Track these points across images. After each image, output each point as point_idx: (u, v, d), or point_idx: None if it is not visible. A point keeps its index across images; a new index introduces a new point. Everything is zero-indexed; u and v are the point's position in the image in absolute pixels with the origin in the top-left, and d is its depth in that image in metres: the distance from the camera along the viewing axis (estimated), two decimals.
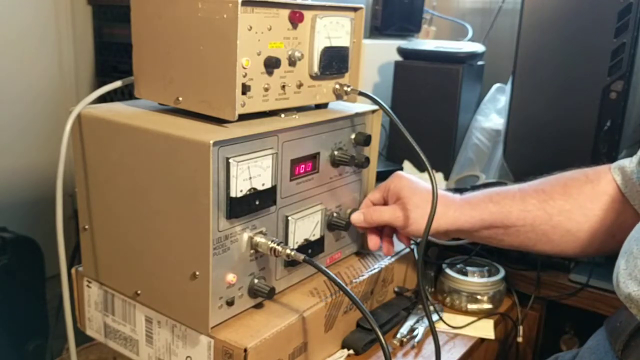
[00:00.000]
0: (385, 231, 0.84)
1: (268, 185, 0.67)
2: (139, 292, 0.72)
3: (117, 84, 0.78)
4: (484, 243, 0.84)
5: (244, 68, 0.64)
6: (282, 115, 0.72)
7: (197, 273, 0.64)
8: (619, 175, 0.74)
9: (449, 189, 1.14)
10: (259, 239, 0.68)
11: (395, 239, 0.86)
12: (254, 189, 0.65)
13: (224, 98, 0.65)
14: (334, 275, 0.66)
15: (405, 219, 0.78)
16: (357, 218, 0.81)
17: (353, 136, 0.80)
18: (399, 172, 0.83)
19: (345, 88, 0.78)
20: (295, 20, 0.69)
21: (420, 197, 0.77)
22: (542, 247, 0.78)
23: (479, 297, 0.92)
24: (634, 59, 0.99)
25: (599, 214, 0.74)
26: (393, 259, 0.88)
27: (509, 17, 1.50)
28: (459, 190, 1.12)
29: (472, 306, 0.92)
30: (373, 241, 0.84)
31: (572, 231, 0.75)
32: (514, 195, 0.78)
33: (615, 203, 0.74)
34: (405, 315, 0.87)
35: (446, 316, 0.90)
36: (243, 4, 0.62)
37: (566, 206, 0.75)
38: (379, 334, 0.60)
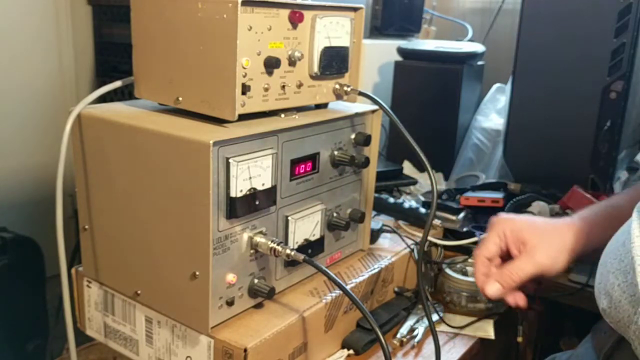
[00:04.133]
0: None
1: (268, 185, 0.67)
2: (139, 292, 0.72)
3: (117, 84, 0.78)
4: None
5: (244, 68, 0.64)
6: (282, 115, 0.72)
7: (197, 273, 0.64)
8: None
9: (449, 189, 1.15)
10: (259, 239, 0.68)
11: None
12: (254, 189, 0.65)
13: (224, 98, 0.65)
14: (334, 275, 0.66)
15: (546, 261, 0.70)
16: (495, 290, 0.70)
17: (353, 136, 0.80)
18: (502, 216, 0.75)
19: (345, 88, 0.78)
20: (295, 20, 0.69)
21: (544, 231, 0.71)
22: None
23: (479, 297, 0.92)
24: (634, 59, 1.00)
25: None
26: (393, 259, 0.88)
27: (509, 17, 1.50)
28: (459, 190, 1.13)
29: (472, 306, 0.92)
30: (521, 298, 0.72)
31: None
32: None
33: None
34: (405, 315, 0.87)
35: (446, 316, 0.90)
36: (243, 4, 0.62)
37: None
38: (379, 334, 0.60)
